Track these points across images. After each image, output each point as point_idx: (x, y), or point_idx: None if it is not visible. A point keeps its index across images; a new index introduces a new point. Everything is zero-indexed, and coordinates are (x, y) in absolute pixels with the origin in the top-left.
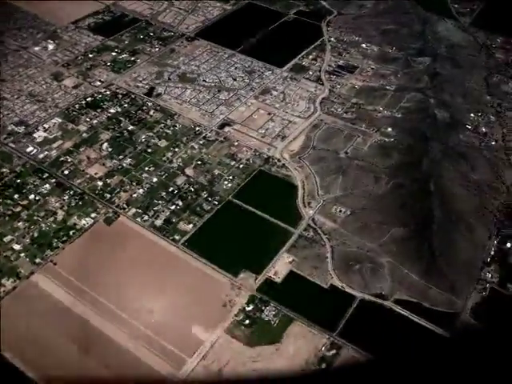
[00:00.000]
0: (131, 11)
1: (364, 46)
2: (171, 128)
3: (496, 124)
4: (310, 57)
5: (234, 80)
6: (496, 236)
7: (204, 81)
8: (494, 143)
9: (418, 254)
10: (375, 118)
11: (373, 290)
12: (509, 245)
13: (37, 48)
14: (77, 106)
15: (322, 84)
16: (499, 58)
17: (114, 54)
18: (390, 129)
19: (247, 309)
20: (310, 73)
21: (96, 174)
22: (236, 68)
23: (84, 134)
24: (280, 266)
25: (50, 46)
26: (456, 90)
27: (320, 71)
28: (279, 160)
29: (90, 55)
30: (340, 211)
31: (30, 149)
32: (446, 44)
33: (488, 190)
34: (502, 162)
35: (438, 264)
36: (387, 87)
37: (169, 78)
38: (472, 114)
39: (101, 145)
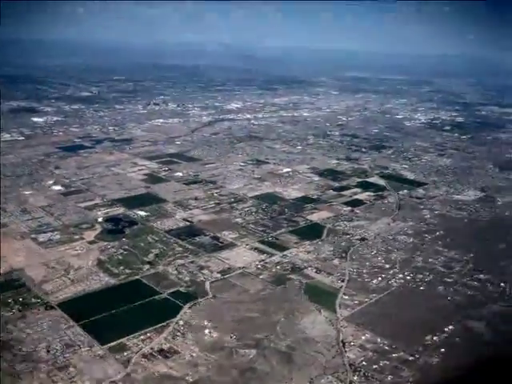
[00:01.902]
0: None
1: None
2: None
3: None
4: (142, 337)
5: None
6: None
7: None
8: None
9: None
10: None
11: None
12: None
13: None
14: None
15: (126, 367)
16: (348, 357)
17: None
18: None
19: None
20: (125, 354)
21: None
22: None
23: None
24: None
25: None
26: None
27: (137, 353)
28: None
29: None
30: None
31: None
32: (294, 337)
33: None
34: None
35: None
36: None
37: None
38: None
39: None
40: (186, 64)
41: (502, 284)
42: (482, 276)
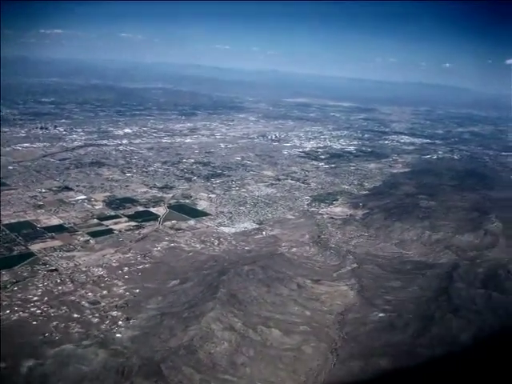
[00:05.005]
0: None
1: None
2: None
3: None
4: None
5: None
6: None
7: None
8: None
9: None
10: None
11: None
12: None
13: None
14: None
15: None
16: None
17: None
18: None
19: None
20: None
21: None
22: None
23: None
24: None
25: None
26: None
27: None
28: None
29: None
30: None
31: None
32: None
33: None
34: None
35: None
36: None
37: None
38: None
39: None
40: (138, 87)
41: (120, 322)
42: (114, 313)
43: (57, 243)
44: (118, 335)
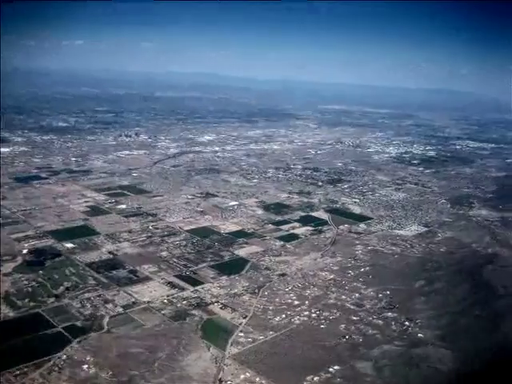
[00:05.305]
0: None
1: None
2: None
3: None
4: (17, 372)
5: None
6: None
7: None
8: None
9: None
10: None
11: None
12: None
13: None
14: None
15: None
16: None
17: None
18: None
19: None
20: None
21: None
22: None
23: None
24: None
25: None
26: None
27: None
28: None
29: None
30: None
31: None
32: (170, 375)
33: None
34: None
35: None
36: None
37: None
38: None
39: None
40: (174, 95)
41: (406, 323)
42: (389, 314)
43: (255, 248)
44: (420, 335)
